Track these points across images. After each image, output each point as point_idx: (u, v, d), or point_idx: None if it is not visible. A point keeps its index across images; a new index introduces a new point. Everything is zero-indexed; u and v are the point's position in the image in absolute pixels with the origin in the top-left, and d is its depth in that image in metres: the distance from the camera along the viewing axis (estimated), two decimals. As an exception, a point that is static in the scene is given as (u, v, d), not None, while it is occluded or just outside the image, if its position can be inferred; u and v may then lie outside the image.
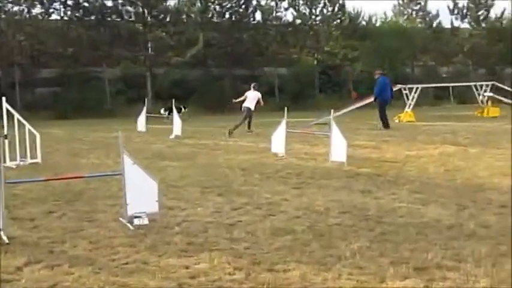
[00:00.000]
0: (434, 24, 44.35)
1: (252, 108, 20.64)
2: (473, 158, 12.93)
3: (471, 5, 44.39)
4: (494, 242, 6.31)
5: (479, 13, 44.40)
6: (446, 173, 11.09)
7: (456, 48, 43.53)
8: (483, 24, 44.17)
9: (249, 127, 20.57)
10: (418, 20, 44.84)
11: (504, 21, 44.18)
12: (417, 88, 27.18)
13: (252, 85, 21.22)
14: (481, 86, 29.37)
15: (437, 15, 44.70)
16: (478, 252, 5.96)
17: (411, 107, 26.22)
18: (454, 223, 7.17)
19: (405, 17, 45.18)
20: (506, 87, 30.35)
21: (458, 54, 43.69)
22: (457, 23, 44.76)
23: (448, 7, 44.88)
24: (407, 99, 26.71)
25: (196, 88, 36.18)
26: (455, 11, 44.62)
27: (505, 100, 21.65)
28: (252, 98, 20.73)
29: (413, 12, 45.43)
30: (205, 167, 12.08)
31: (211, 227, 7.11)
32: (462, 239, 6.48)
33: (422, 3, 45.29)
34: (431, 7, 45.88)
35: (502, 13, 44.51)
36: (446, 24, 44.61)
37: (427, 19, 44.71)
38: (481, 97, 28.31)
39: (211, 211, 7.98)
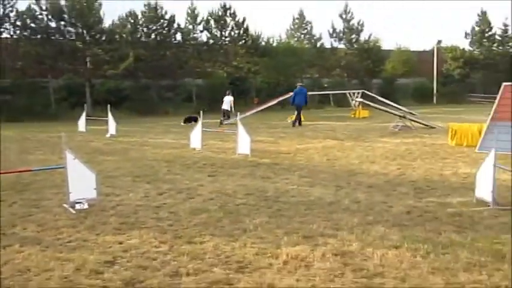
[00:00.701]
0: (318, 45, 45.23)
1: (228, 108, 23.43)
2: (348, 150, 13.36)
3: (346, 30, 45.67)
4: (363, 214, 6.56)
5: (352, 36, 45.76)
6: (327, 161, 11.40)
7: (335, 64, 44.58)
8: (355, 45, 45.55)
9: (221, 123, 22.58)
10: (305, 41, 45.66)
11: (371, 43, 45.75)
12: (305, 95, 27.65)
13: (227, 92, 24.33)
14: (354, 93, 30.33)
15: (320, 38, 45.54)
16: (351, 222, 6.17)
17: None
18: (333, 200, 7.39)
19: (295, 39, 45.93)
20: (372, 94, 31.47)
21: (336, 68, 44.79)
22: (335, 44, 45.88)
23: (329, 31, 46.00)
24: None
25: (128, 96, 35.57)
26: (334, 35, 45.78)
27: (372, 104, 22.45)
28: (227, 101, 23.58)
29: (302, 35, 46.30)
30: (136, 160, 11.83)
31: (141, 209, 6.98)
32: (339, 212, 6.69)
33: (309, 29, 46.29)
34: (316, 31, 46.82)
35: (369, 36, 46.12)
36: (327, 45, 45.61)
37: (313, 41, 45.58)
38: (353, 102, 29.17)
39: (141, 196, 7.83)
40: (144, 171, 10.22)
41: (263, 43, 42.72)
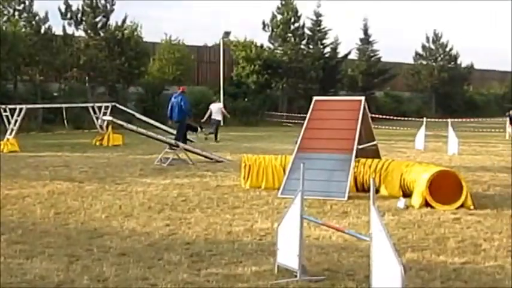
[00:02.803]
0: (42, 30, 44.31)
1: (219, 119, 31.91)
2: (90, 197, 13.29)
3: (87, 9, 45.55)
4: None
5: (97, 19, 45.83)
6: (56, 216, 11.19)
7: (70, 61, 44.07)
8: (101, 33, 45.66)
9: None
10: (23, 23, 44.38)
11: (126, 31, 46.24)
12: (21, 109, 26.91)
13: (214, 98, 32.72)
14: (100, 108, 30.35)
15: (46, 19, 44.56)
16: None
17: (14, 133, 25.81)
18: (63, 279, 7.26)
19: (5, 18, 44.42)
20: (128, 110, 31.90)
21: (72, 68, 44.32)
22: (70, 30, 45.47)
23: (60, 10, 45.25)
24: (9, 123, 26.24)
25: None
26: (68, 15, 45.35)
27: (128, 126, 22.62)
28: (216, 109, 31.53)
29: (16, 13, 44.87)
30: None
31: None
32: (74, 298, 6.60)
33: (27, 3, 44.93)
34: (39, 8, 45.30)
35: (124, 21, 46.47)
36: (58, 31, 44.88)
37: (34, 23, 44.45)
38: (99, 121, 29.14)
39: None
40: None
41: None
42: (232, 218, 11.14)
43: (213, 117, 31.40)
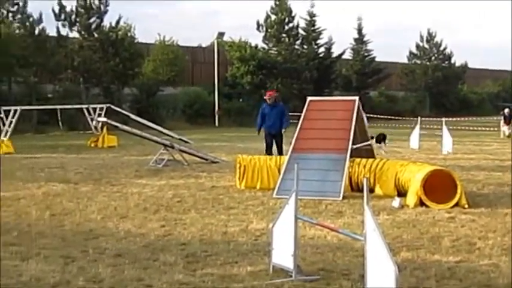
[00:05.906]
0: (36, 32, 44.11)
1: None
2: (85, 198, 13.30)
3: (81, 10, 45.37)
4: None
5: (91, 21, 45.64)
6: (52, 218, 11.19)
7: (64, 62, 43.91)
8: (95, 35, 45.47)
9: None
10: (16, 24, 44.21)
11: (120, 32, 46.11)
12: (16, 111, 26.90)
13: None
14: (95, 110, 30.33)
15: (40, 20, 44.36)
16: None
17: (8, 134, 25.82)
18: (59, 280, 7.27)
19: (-1, 19, 44.31)
20: (123, 111, 31.85)
21: (66, 69, 44.14)
22: (64, 31, 45.27)
23: (53, 11, 45.02)
24: (3, 124, 26.22)
25: None
26: (62, 17, 45.15)
27: (123, 127, 22.58)
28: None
29: (10, 15, 44.68)
30: None
31: None
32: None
33: (21, 4, 44.70)
34: (33, 10, 45.01)
35: (118, 22, 46.38)
36: (52, 32, 44.70)
37: (28, 24, 44.25)
38: (94, 123, 29.11)
39: None
40: None
41: None
42: (227, 218, 11.16)
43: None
